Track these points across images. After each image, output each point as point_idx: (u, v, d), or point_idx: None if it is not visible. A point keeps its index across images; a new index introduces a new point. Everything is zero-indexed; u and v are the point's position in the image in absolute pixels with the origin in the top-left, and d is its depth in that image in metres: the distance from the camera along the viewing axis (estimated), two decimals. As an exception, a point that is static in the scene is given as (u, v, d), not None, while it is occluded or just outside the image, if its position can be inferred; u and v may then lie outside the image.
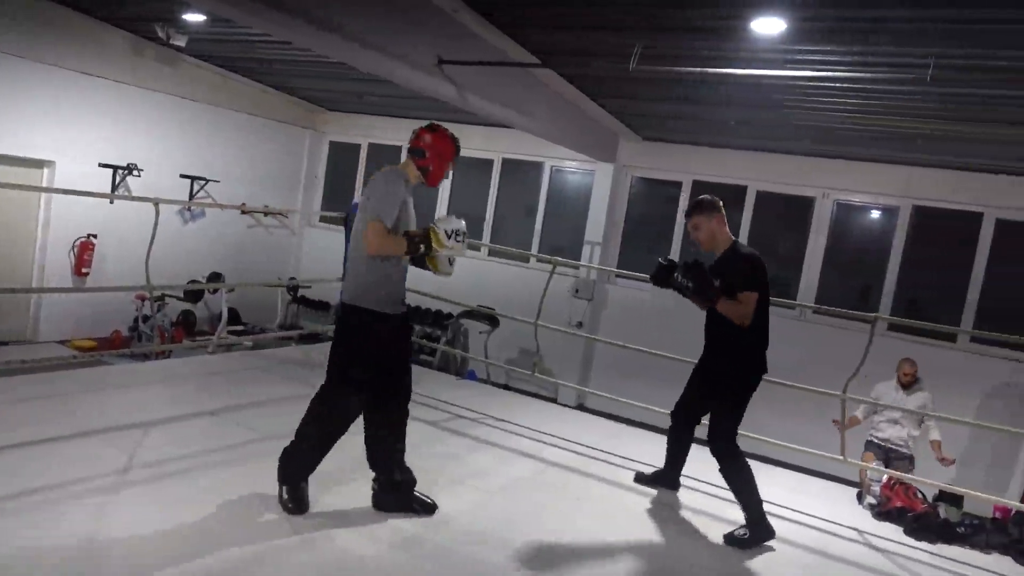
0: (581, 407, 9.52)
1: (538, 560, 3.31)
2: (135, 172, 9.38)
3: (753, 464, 5.25)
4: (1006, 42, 4.60)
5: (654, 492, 4.39)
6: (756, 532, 3.82)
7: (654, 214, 10.12)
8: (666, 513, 4.14)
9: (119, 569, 2.73)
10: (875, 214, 9.08)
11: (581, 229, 10.03)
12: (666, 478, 4.43)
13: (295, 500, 3.40)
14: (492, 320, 9.68)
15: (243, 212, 10.90)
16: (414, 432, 4.85)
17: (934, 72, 4.73)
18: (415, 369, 7.13)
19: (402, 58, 5.76)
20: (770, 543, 3.84)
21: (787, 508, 4.41)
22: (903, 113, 6.49)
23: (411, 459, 4.34)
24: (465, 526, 3.55)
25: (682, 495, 4.41)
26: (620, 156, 9.83)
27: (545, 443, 5.05)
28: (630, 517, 4.00)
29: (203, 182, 10.29)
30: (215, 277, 10.07)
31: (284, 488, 3.42)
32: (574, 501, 4.13)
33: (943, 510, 4.42)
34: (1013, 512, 4.40)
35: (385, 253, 3.29)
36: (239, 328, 10.26)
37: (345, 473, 3.78)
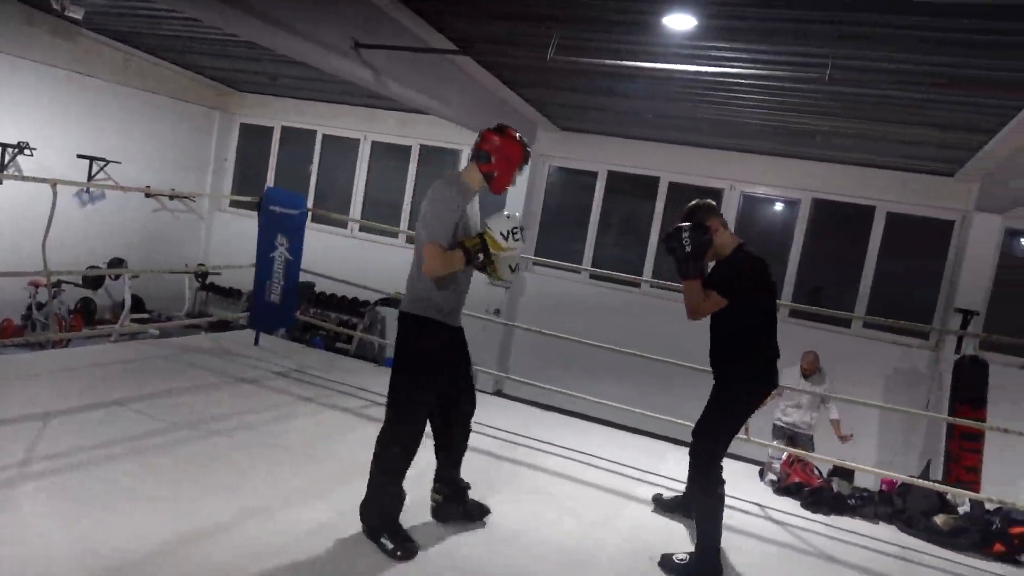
0: (499, 393, 9.62)
1: (453, 542, 3.35)
2: (27, 151, 8.80)
3: (664, 444, 5.49)
4: (895, 46, 4.92)
5: (569, 473, 4.50)
6: (700, 564, 3.37)
7: (571, 203, 10.29)
8: (580, 492, 4.25)
9: (15, 566, 2.60)
10: (779, 206, 9.52)
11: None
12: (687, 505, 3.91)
13: (404, 545, 3.13)
14: (410, 308, 9.62)
15: (148, 195, 10.41)
16: (331, 420, 4.83)
17: (831, 72, 5.02)
18: (331, 357, 7.06)
19: (316, 40, 5.62)
20: (674, 517, 4.00)
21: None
22: (803, 110, 6.84)
23: (328, 447, 4.31)
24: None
25: (598, 476, 4.54)
26: (538, 145, 9.92)
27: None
28: (542, 498, 4.08)
29: (103, 163, 9.76)
30: (117, 263, 9.60)
31: (384, 538, 3.13)
32: (487, 485, 4.18)
33: (836, 484, 4.72)
34: (898, 484, 4.75)
35: (444, 273, 3.13)
36: (143, 316, 9.83)
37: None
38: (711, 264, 3.58)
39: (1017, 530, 4.22)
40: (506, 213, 3.20)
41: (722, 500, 3.42)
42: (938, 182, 8.36)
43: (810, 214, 9.06)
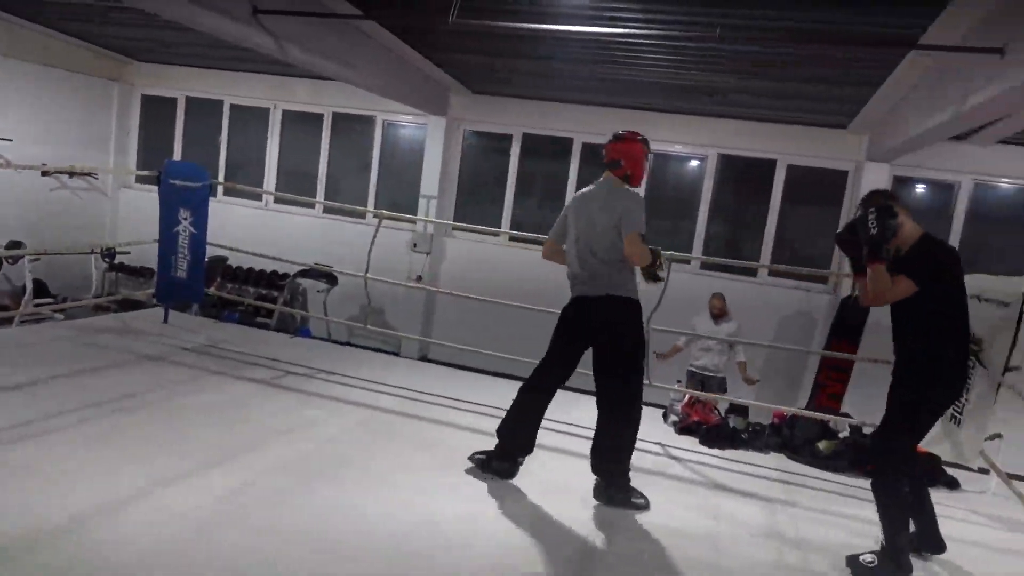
0: (424, 359, 9.74)
1: (367, 498, 3.47)
2: (-94, 131, 8.28)
3: (571, 395, 5.71)
4: (781, 4, 5.15)
5: (481, 429, 4.66)
6: (886, 566, 3.24)
7: (488, 167, 10.36)
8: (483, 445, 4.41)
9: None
10: (689, 163, 9.83)
11: (417, 183, 10.08)
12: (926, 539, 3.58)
13: (638, 495, 3.73)
14: (330, 278, 9.58)
15: (45, 174, 9.91)
16: (241, 391, 4.83)
17: (721, 32, 5.22)
18: (244, 331, 7.00)
19: (211, 5, 5.48)
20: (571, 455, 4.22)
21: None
22: (700, 69, 7.07)
23: (239, 416, 4.34)
24: (301, 471, 3.63)
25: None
26: (451, 109, 9.92)
27: (381, 392, 5.19)
28: (453, 453, 4.23)
29: (-8, 142, 9.25)
30: (15, 245, 9.16)
31: (625, 496, 3.71)
32: (405, 442, 4.30)
33: (732, 420, 5.05)
34: (788, 416, 5.11)
35: (642, 262, 3.73)
36: (47, 301, 9.46)
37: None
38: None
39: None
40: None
41: (907, 494, 3.36)
42: (833, 134, 8.80)
43: (717, 169, 9.40)
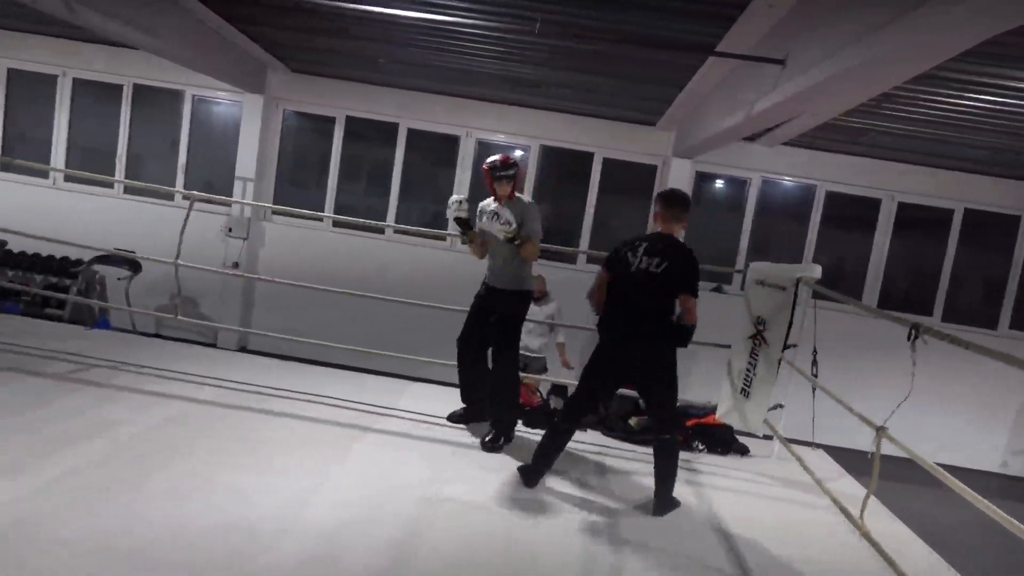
0: (244, 349, 9.26)
1: (174, 500, 3.25)
2: None
3: (402, 382, 5.70)
4: (596, 4, 5.41)
5: (292, 414, 4.53)
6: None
7: (311, 149, 10.00)
8: (303, 434, 4.31)
9: None
10: (514, 153, 10.06)
11: (232, 164, 9.51)
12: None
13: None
14: (133, 264, 8.82)
15: None
16: (25, 389, 4.32)
17: (540, 26, 5.40)
18: (28, 323, 6.29)
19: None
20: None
21: (424, 415, 4.88)
22: (523, 61, 7.27)
23: (22, 419, 3.88)
24: (97, 478, 3.32)
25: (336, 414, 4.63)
26: (269, 88, 9.45)
27: (191, 384, 4.86)
28: (263, 443, 4.08)
29: None
30: None
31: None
32: (219, 437, 4.08)
33: (553, 401, 5.29)
34: (604, 396, 5.43)
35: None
36: None
37: None
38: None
39: (691, 422, 5.08)
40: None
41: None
42: (644, 131, 9.42)
43: (539, 159, 9.73)
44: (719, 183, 9.92)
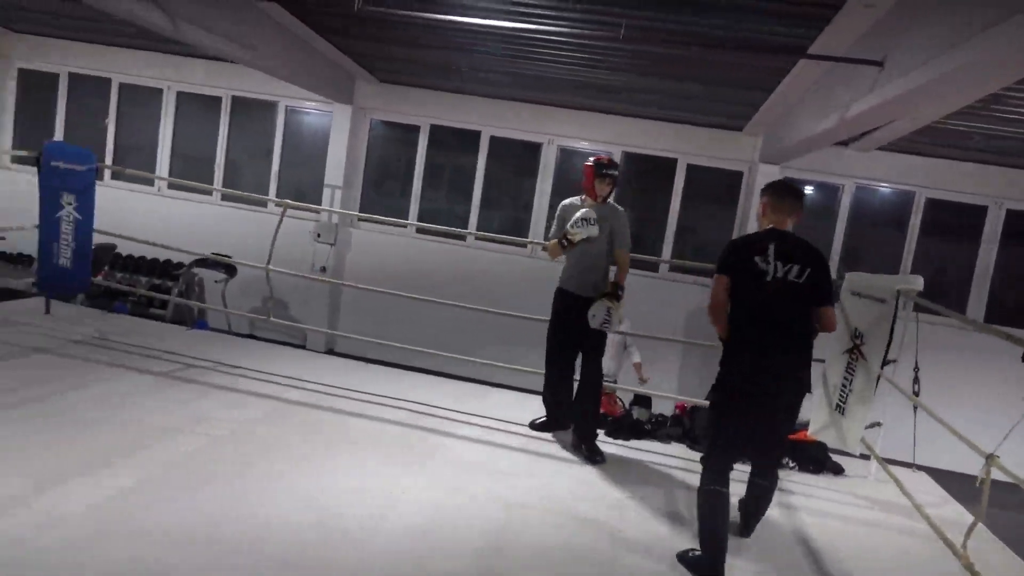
0: (331, 352, 9.53)
1: (264, 496, 3.37)
2: None
3: (476, 387, 5.74)
4: (682, 9, 5.32)
5: (377, 417, 4.61)
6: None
7: (396, 158, 10.22)
8: (389, 437, 4.38)
9: None
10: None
11: (322, 172, 9.83)
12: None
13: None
14: (229, 268, 9.21)
15: (-96, 151, 9.07)
16: (130, 386, 4.57)
17: (625, 32, 5.35)
18: (135, 322, 6.65)
19: (97, -24, 5.14)
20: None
21: (507, 421, 4.90)
22: (606, 67, 7.22)
23: (126, 412, 4.11)
24: (195, 469, 3.48)
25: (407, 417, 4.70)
26: (357, 98, 9.72)
27: (282, 384, 5.04)
28: (350, 443, 4.17)
29: None
30: None
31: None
32: (310, 436, 4.21)
33: (636, 412, 5.21)
34: (689, 407, 5.32)
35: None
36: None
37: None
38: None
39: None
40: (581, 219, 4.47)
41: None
42: (729, 136, 9.18)
43: (622, 166, 9.61)
44: (808, 189, 9.57)
